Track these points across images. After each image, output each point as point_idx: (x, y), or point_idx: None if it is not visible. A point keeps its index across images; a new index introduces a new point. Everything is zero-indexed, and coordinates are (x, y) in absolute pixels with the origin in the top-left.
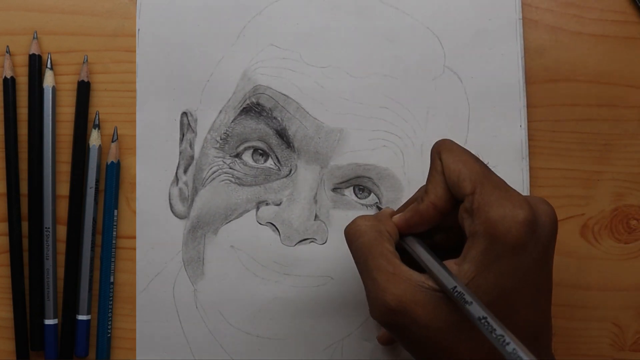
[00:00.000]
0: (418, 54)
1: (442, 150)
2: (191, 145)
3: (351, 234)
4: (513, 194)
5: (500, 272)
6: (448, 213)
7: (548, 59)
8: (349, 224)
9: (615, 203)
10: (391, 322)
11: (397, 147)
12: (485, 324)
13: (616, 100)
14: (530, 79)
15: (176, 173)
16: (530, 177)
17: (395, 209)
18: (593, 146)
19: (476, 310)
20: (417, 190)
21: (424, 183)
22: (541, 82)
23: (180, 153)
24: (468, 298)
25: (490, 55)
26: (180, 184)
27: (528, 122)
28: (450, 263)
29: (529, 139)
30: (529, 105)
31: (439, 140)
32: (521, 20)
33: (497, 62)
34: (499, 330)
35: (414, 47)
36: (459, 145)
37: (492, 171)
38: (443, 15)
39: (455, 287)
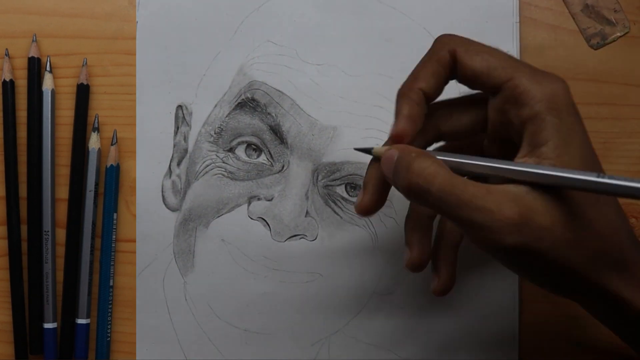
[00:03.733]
0: (414, 54)
1: (457, 45)
2: (185, 139)
3: (421, 182)
4: (542, 71)
5: (578, 146)
6: (425, 106)
7: (547, 58)
8: (408, 177)
9: None
10: (520, 242)
11: None
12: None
13: (615, 99)
14: None
15: (169, 165)
16: None
17: (388, 208)
18: (592, 144)
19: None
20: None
21: None
22: None
23: (174, 146)
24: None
25: None
26: (173, 177)
27: None
28: (518, 160)
29: None
30: None
31: (447, 34)
32: (518, 24)
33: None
34: None
35: (411, 47)
36: (471, 39)
37: (511, 55)
38: (440, 16)
39: (599, 175)
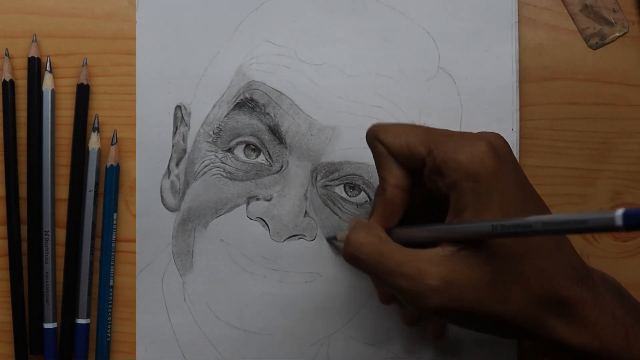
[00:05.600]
0: (413, 54)
1: (378, 134)
2: (184, 139)
3: (354, 252)
4: (462, 134)
5: (498, 203)
6: (411, 190)
7: (546, 58)
8: (345, 248)
9: (614, 201)
10: (442, 304)
11: None
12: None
13: (614, 99)
14: (528, 78)
15: (168, 166)
16: (529, 175)
17: None
18: (591, 144)
19: (538, 220)
20: (374, 196)
21: None
22: (539, 80)
23: (173, 146)
24: (518, 222)
25: (484, 57)
26: (172, 177)
27: (526, 120)
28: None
29: (527, 138)
30: (527, 104)
31: (370, 127)
32: (517, 24)
33: (491, 64)
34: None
35: (409, 47)
36: (391, 123)
37: (430, 127)
38: (439, 16)
39: (493, 225)
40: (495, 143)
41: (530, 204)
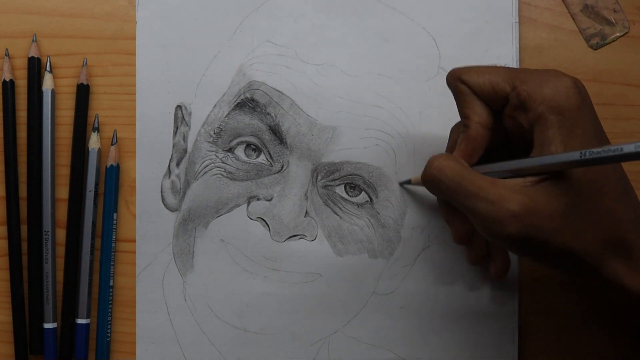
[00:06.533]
0: (413, 54)
1: (461, 74)
2: (184, 139)
3: (435, 173)
4: (543, 71)
5: (580, 137)
6: (493, 128)
7: (547, 58)
8: (426, 170)
9: None
10: (520, 231)
11: (390, 146)
12: None
13: (615, 99)
14: None
15: (169, 166)
16: None
17: (387, 209)
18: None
19: (631, 143)
20: (449, 134)
21: None
22: None
23: (173, 146)
24: (609, 147)
25: (485, 57)
26: (173, 177)
27: None
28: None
29: None
30: None
31: (451, 70)
32: (517, 24)
33: (491, 64)
34: None
35: (410, 47)
36: (471, 65)
37: (511, 66)
38: (439, 16)
39: (582, 152)
40: (576, 80)
41: (603, 142)
